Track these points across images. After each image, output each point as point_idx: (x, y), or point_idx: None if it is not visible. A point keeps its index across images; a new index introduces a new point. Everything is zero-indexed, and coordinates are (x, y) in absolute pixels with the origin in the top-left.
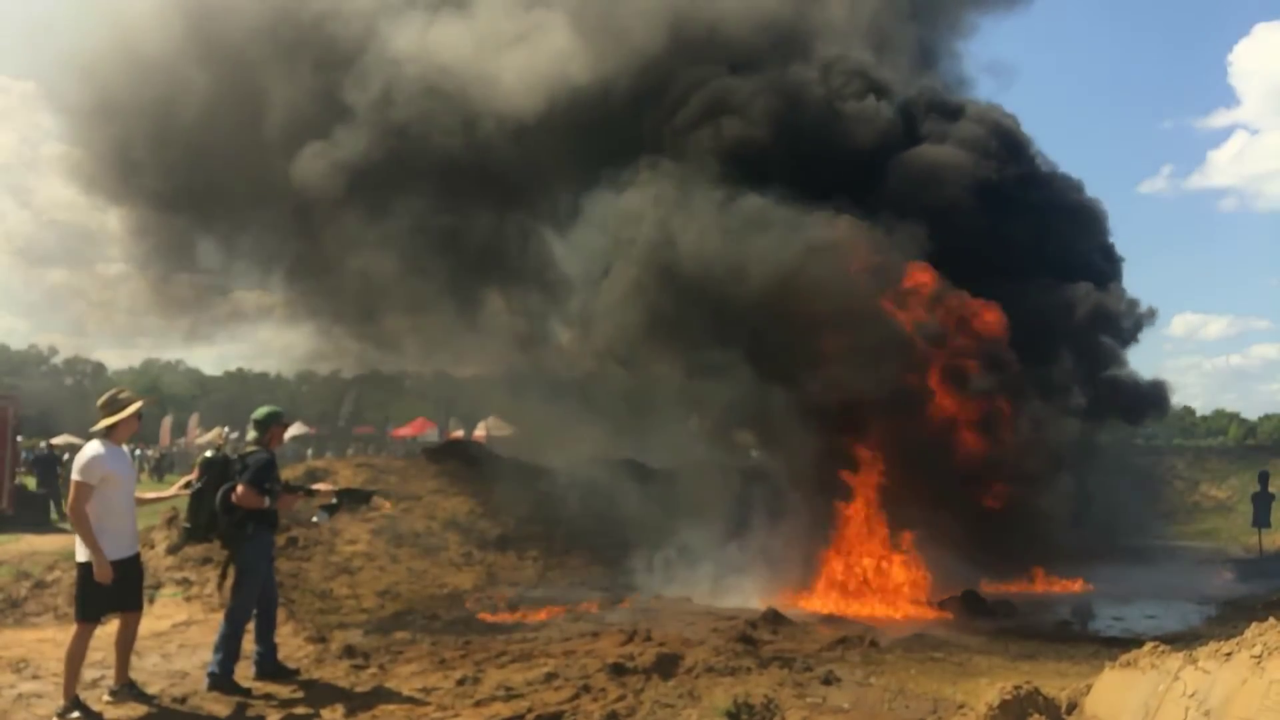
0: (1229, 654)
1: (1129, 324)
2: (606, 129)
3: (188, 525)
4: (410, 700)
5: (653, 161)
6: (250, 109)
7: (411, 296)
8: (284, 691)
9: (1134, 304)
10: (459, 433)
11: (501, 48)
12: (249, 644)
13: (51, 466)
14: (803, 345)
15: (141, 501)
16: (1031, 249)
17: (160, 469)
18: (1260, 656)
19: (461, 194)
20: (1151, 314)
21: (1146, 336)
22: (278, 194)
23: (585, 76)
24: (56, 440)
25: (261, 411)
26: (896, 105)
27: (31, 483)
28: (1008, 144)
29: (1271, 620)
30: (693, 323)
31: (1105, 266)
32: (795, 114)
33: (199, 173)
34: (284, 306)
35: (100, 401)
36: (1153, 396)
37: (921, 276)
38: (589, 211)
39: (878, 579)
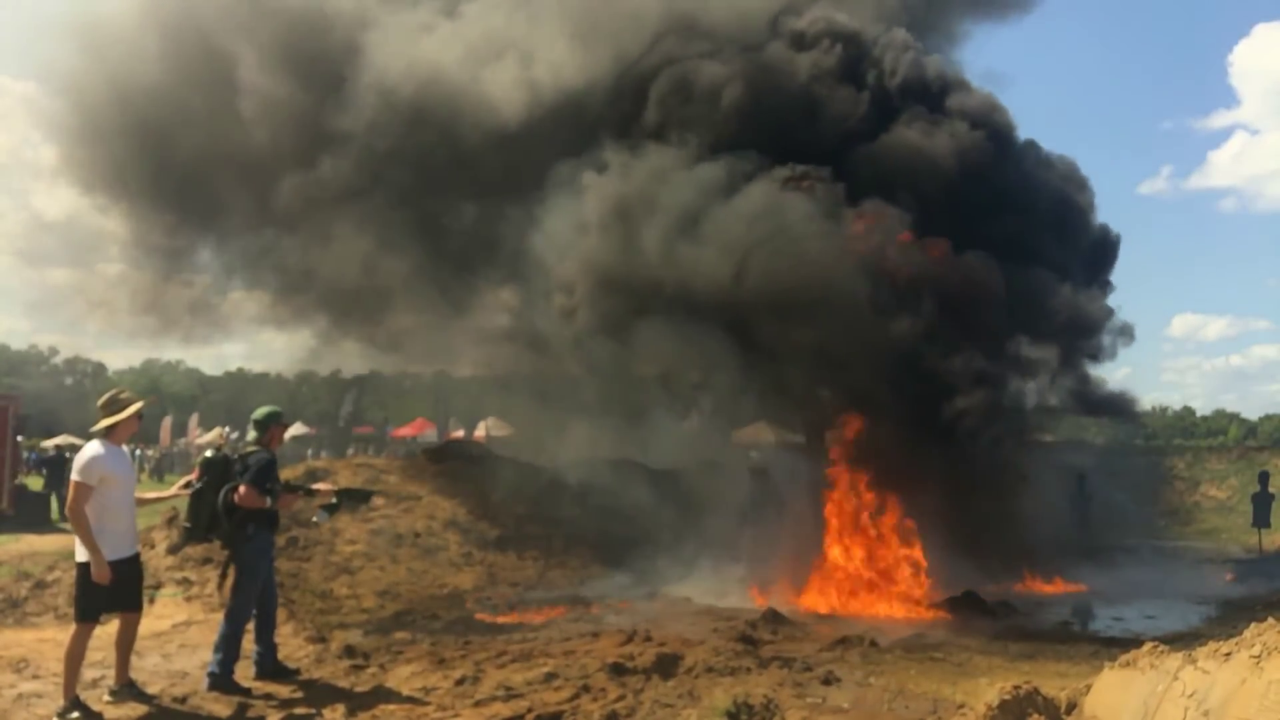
0: (1228, 654)
1: (1107, 339)
2: (591, 126)
3: (188, 525)
4: (410, 700)
5: (613, 150)
6: (236, 120)
7: (403, 297)
8: (284, 691)
9: (1109, 310)
10: (459, 433)
11: (491, 58)
12: (249, 644)
13: (60, 467)
14: (762, 335)
15: (141, 501)
16: (1001, 247)
17: (160, 469)
18: (1259, 656)
19: (447, 195)
20: (1129, 331)
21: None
22: (265, 205)
23: (575, 81)
24: (57, 440)
25: (261, 412)
26: (874, 74)
27: (33, 483)
28: (993, 137)
29: (1271, 620)
30: (653, 311)
31: (1080, 276)
32: (765, 100)
33: (185, 184)
34: (281, 309)
35: (100, 402)
36: (1116, 403)
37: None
38: (553, 207)
39: (873, 577)
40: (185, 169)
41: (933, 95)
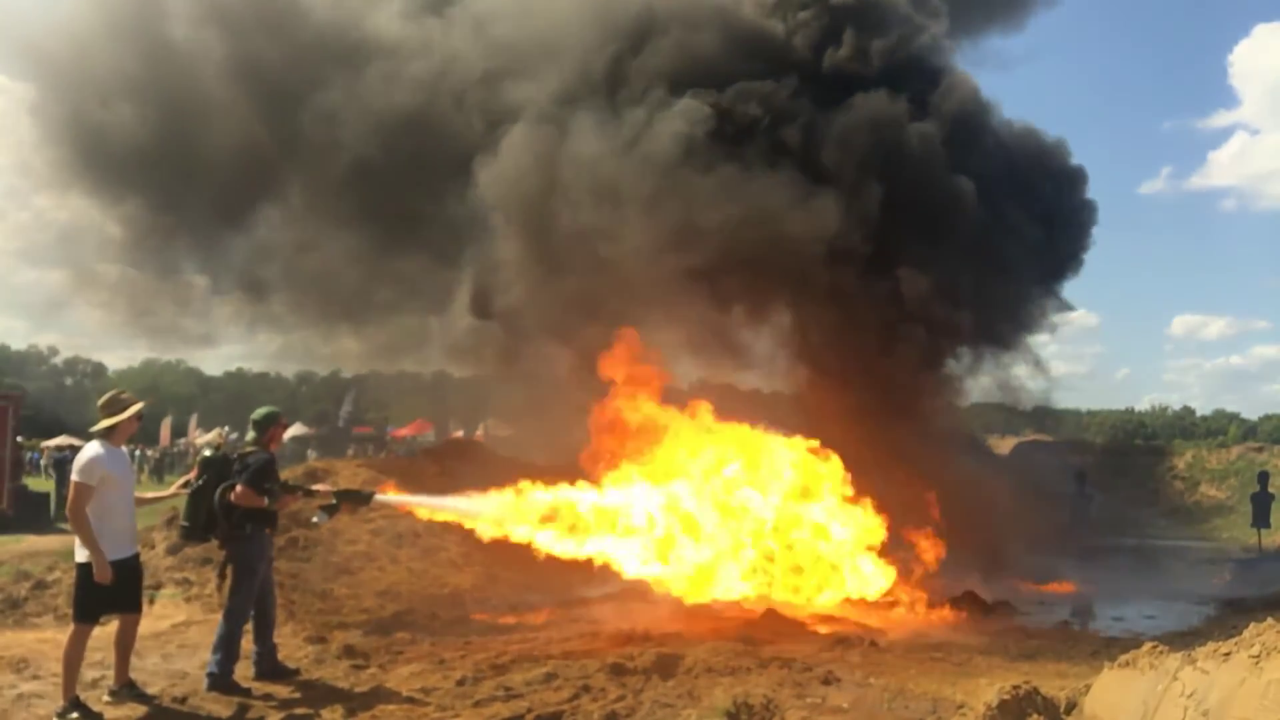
0: (1227, 654)
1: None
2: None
3: (186, 524)
4: (410, 700)
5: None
6: (220, 131)
7: (389, 296)
8: (284, 691)
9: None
10: (459, 433)
11: (463, 84)
12: (248, 644)
13: (67, 468)
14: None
15: (141, 501)
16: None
17: (160, 469)
18: (1258, 656)
19: (422, 202)
20: (1044, 365)
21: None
22: (250, 210)
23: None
24: (58, 441)
25: (260, 412)
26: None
27: (42, 484)
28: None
29: (1270, 620)
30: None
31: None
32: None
33: (175, 189)
34: (271, 309)
35: (101, 402)
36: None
37: None
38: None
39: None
40: (173, 174)
41: (913, 78)
